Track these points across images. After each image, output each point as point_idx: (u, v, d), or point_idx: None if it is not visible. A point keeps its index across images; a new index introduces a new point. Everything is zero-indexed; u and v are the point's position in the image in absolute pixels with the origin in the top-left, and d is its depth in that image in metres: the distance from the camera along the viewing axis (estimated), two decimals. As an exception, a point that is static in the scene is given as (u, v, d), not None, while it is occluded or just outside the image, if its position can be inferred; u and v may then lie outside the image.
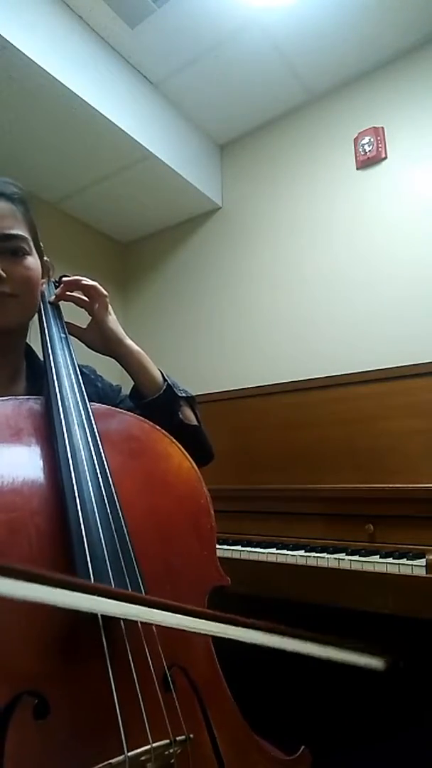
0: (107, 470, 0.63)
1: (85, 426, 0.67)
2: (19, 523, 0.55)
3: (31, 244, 0.81)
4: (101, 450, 0.65)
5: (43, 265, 0.86)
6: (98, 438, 0.66)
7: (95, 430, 0.67)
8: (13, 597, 0.41)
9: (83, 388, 0.74)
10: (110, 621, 0.51)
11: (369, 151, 1.97)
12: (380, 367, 1.50)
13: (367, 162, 1.98)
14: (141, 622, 0.52)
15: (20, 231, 0.79)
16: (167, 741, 0.49)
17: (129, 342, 0.93)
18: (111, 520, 0.58)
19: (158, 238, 2.59)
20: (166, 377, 0.93)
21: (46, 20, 1.66)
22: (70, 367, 0.77)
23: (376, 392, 1.49)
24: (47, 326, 0.85)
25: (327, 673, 1.17)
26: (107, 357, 0.94)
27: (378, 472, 1.41)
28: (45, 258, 0.88)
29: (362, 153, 1.98)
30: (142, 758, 0.46)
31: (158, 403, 0.89)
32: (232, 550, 1.39)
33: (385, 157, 1.95)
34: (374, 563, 1.16)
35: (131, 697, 0.49)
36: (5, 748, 0.44)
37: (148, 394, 0.90)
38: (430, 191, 1.84)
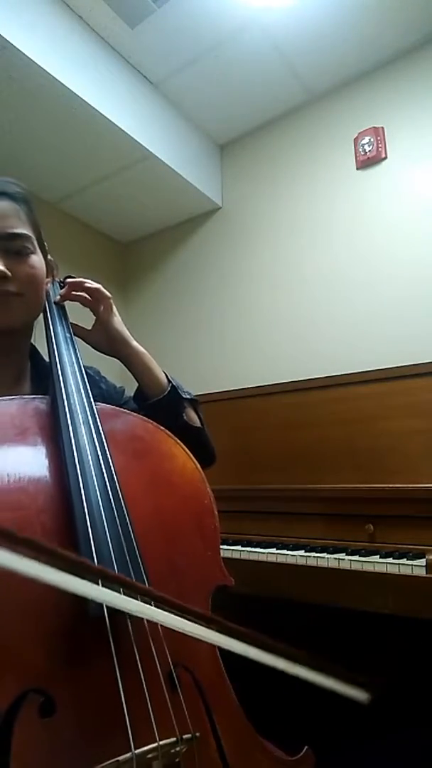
0: (113, 470, 0.63)
1: (91, 426, 0.67)
2: (26, 521, 0.56)
3: (35, 242, 0.81)
4: (107, 450, 0.65)
5: (48, 264, 0.86)
6: (104, 438, 0.66)
7: (101, 430, 0.67)
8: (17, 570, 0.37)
9: (89, 389, 0.74)
10: (116, 618, 0.51)
11: (369, 151, 1.97)
12: (380, 367, 1.50)
13: (367, 162, 1.98)
14: (147, 621, 0.52)
15: (24, 230, 0.79)
16: (174, 739, 0.49)
17: (134, 343, 0.93)
18: (117, 519, 0.58)
19: (158, 238, 2.59)
20: (170, 378, 0.93)
21: (46, 20, 1.66)
22: (75, 366, 0.77)
23: (376, 392, 1.49)
24: (52, 326, 0.84)
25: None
26: (107, 358, 0.94)
27: (378, 472, 1.41)
28: (49, 257, 0.88)
29: (362, 153, 1.99)
30: (149, 756, 0.46)
31: (162, 405, 0.89)
32: (233, 550, 1.40)
33: (385, 157, 1.95)
34: (374, 563, 1.16)
35: (138, 694, 0.49)
36: (12, 747, 0.44)
37: (152, 395, 0.90)
38: (430, 191, 1.84)
